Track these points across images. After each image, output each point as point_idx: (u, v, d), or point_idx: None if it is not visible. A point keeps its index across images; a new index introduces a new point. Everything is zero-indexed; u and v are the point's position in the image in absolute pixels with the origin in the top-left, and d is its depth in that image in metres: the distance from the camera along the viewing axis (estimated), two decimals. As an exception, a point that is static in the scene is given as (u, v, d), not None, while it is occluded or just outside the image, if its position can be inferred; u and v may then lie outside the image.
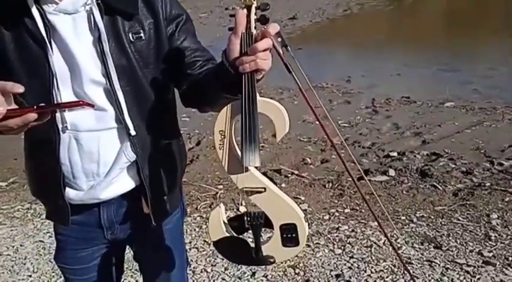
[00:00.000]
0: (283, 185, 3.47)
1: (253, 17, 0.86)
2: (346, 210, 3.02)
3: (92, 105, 0.89)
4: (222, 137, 0.93)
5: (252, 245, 0.99)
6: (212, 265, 2.47)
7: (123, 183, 1.13)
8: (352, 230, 2.75)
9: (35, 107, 0.85)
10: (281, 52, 0.89)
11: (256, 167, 0.95)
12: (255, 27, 0.86)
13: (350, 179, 3.50)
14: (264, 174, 3.82)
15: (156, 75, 1.07)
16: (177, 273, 1.29)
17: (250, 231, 0.99)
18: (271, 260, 0.98)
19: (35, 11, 0.95)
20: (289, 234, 0.94)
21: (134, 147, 1.08)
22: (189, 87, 1.07)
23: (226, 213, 1.04)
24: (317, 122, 1.14)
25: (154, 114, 1.09)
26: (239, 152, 0.94)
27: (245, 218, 0.97)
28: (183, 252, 1.34)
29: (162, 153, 1.15)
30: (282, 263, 2.38)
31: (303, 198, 3.24)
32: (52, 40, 0.98)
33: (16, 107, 0.86)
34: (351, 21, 13.67)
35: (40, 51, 0.98)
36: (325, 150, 4.13)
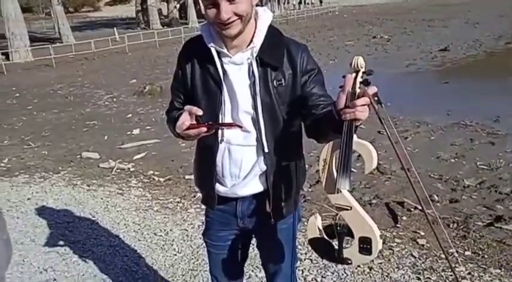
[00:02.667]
0: (404, 217, 3.51)
1: (359, 79, 1.13)
2: (466, 253, 2.95)
3: (240, 127, 1.36)
4: (324, 164, 1.25)
5: (336, 247, 1.27)
6: (322, 277, 2.71)
7: (255, 186, 1.51)
8: (469, 273, 2.70)
9: (206, 124, 1.32)
10: (376, 108, 1.14)
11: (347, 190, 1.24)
12: (360, 87, 1.13)
13: (479, 223, 3.38)
14: (387, 205, 3.90)
15: (289, 112, 1.43)
16: (286, 263, 1.64)
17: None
18: (349, 262, 1.26)
19: (217, 62, 1.40)
20: (365, 245, 1.20)
21: (265, 161, 1.46)
22: (311, 123, 1.40)
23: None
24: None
25: (284, 139, 1.45)
26: (335, 177, 1.23)
27: (334, 227, 1.26)
28: (293, 249, 1.66)
29: (285, 170, 1.50)
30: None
31: (422, 233, 3.25)
32: (224, 81, 1.42)
33: (195, 122, 1.32)
34: (512, 55, 12.47)
35: (216, 88, 1.41)
36: (456, 190, 4.01)
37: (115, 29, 25.86)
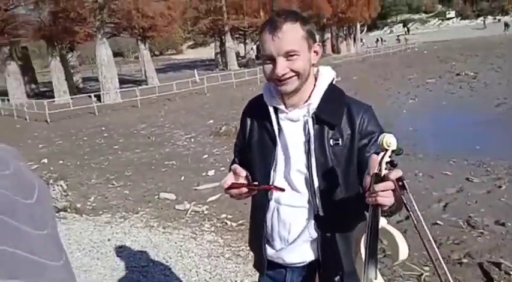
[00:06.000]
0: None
1: (385, 159, 1.02)
2: None
3: (282, 189, 1.30)
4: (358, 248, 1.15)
5: None
6: None
7: (303, 254, 1.39)
8: None
9: (247, 184, 1.31)
10: (400, 194, 1.04)
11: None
12: (386, 168, 1.02)
13: None
14: (480, 266, 3.50)
15: (345, 175, 1.32)
16: None
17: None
18: None
19: (273, 118, 1.36)
20: None
21: (317, 227, 1.33)
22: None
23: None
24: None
25: (340, 204, 1.32)
26: (364, 264, 1.12)
27: None
28: None
29: (339, 239, 1.35)
30: None
31: (525, 304, 2.82)
32: (279, 137, 1.36)
33: (242, 181, 1.30)
34: None
35: (271, 144, 1.37)
36: None
37: (195, 70, 27.34)
